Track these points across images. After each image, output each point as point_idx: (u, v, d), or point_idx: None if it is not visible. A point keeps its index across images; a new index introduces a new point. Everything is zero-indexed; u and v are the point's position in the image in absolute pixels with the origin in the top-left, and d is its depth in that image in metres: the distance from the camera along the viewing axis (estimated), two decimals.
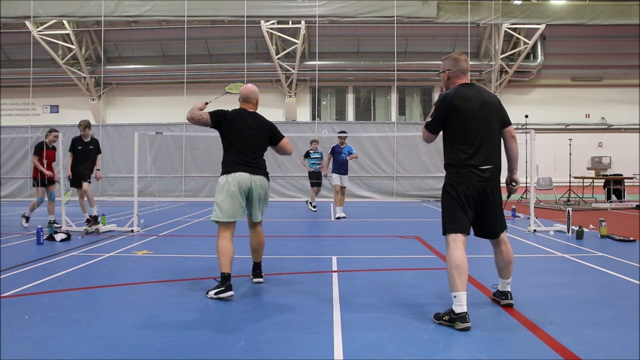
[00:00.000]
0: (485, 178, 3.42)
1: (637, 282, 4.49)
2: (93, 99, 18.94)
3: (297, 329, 3.25)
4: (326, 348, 2.88)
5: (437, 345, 2.95)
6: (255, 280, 4.60)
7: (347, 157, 10.57)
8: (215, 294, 3.93)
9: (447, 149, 3.53)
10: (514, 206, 10.92)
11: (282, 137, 4.57)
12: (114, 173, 16.50)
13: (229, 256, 4.08)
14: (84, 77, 18.39)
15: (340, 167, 10.64)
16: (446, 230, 3.44)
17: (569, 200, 14.41)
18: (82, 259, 5.72)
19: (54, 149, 8.83)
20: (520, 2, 16.81)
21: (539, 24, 16.72)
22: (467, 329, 3.15)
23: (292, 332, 3.18)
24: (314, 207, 11.93)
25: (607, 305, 3.80)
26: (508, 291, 3.74)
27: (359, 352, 2.83)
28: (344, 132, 11.15)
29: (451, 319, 3.21)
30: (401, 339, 3.05)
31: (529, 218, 8.35)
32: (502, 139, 3.62)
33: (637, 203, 13.00)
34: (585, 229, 7.47)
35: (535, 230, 7.94)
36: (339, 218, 10.28)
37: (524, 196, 14.49)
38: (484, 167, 3.40)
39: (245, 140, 4.30)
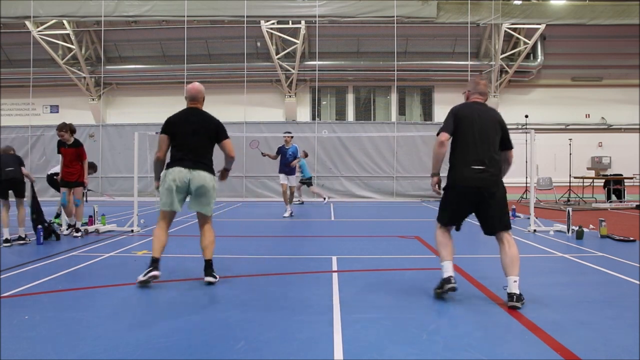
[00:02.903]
0: (480, 178, 3.76)
1: (637, 282, 4.49)
2: (93, 99, 18.92)
3: (297, 329, 3.25)
4: (326, 348, 2.88)
5: (437, 345, 2.95)
6: (206, 279, 4.42)
7: (292, 164, 10.75)
8: (144, 275, 4.25)
9: (450, 153, 3.99)
10: (514, 206, 10.93)
11: (226, 137, 4.64)
12: (114, 173, 16.50)
13: (160, 242, 4.39)
14: (84, 77, 18.37)
15: (285, 167, 10.78)
16: (437, 219, 4.09)
17: (569, 200, 14.42)
18: (82, 259, 5.72)
19: (73, 146, 7.57)
20: (520, 2, 16.80)
21: (539, 24, 16.70)
22: (453, 289, 3.80)
23: (292, 332, 3.18)
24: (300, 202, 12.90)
25: (607, 305, 3.80)
26: (514, 293, 3.67)
27: (359, 352, 2.83)
28: (288, 132, 11.37)
29: (441, 283, 3.86)
30: (401, 339, 3.05)
31: (529, 218, 8.35)
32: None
33: (637, 203, 13.00)
34: (585, 229, 7.47)
35: (535, 230, 7.94)
36: (288, 216, 10.49)
37: (524, 196, 14.49)
38: (476, 167, 3.76)
39: (186, 137, 4.46)
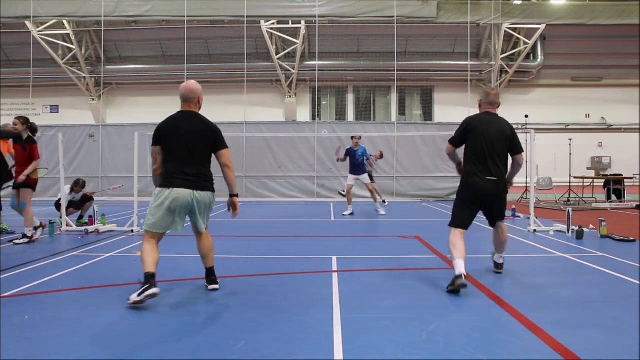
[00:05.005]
0: (489, 188, 4.34)
1: (637, 282, 4.49)
2: (93, 99, 18.92)
3: (297, 329, 3.25)
4: (326, 348, 2.88)
5: (437, 345, 2.95)
6: (210, 287, 4.22)
7: (366, 160, 11.06)
8: (139, 294, 3.63)
9: (464, 159, 4.51)
10: (514, 206, 10.92)
11: (225, 146, 4.12)
12: (114, 173, 16.49)
13: (153, 258, 3.82)
14: (84, 77, 18.37)
15: (355, 169, 11.02)
16: (450, 224, 4.45)
17: (569, 200, 14.41)
18: (82, 259, 5.72)
19: (27, 142, 6.77)
20: (520, 2, 16.79)
21: (539, 24, 16.69)
22: (464, 285, 4.00)
23: (292, 332, 3.18)
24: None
25: (607, 305, 3.80)
26: (501, 263, 4.86)
27: (359, 352, 2.83)
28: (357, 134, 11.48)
29: (453, 280, 4.09)
30: (401, 339, 3.05)
31: (529, 218, 8.35)
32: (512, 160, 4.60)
33: (637, 203, 13.00)
34: (585, 229, 7.47)
35: (535, 230, 7.94)
36: (347, 215, 10.95)
37: (524, 196, 14.49)
38: (489, 178, 4.34)
39: (182, 149, 3.93)
